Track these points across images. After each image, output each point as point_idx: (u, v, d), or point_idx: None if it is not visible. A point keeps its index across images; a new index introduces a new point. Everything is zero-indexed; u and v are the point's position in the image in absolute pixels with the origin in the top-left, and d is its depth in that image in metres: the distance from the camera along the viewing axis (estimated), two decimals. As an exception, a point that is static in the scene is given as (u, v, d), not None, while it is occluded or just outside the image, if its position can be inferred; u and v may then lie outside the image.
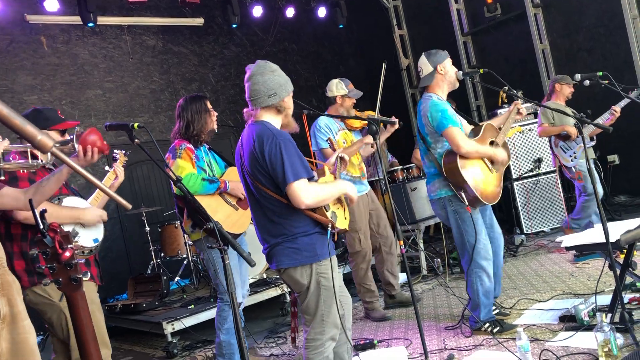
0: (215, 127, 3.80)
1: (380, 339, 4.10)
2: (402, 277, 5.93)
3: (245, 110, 2.84)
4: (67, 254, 1.43)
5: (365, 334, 4.37)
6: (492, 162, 3.82)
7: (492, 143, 3.87)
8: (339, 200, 2.86)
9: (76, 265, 1.45)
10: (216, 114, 3.82)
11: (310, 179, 2.67)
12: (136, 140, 2.27)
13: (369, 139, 4.53)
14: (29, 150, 2.15)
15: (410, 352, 3.74)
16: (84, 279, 1.45)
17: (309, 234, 2.67)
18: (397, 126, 4.79)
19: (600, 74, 4.04)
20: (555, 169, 6.14)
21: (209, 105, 3.77)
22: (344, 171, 4.54)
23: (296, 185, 2.56)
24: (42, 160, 2.18)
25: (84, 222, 2.84)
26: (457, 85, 3.89)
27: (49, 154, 1.19)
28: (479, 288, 3.73)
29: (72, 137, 2.36)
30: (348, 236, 4.70)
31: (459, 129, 3.66)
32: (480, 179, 3.69)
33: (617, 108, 5.36)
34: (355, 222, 4.64)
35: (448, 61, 3.83)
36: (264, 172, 2.63)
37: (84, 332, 1.44)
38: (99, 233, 2.99)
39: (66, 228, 2.70)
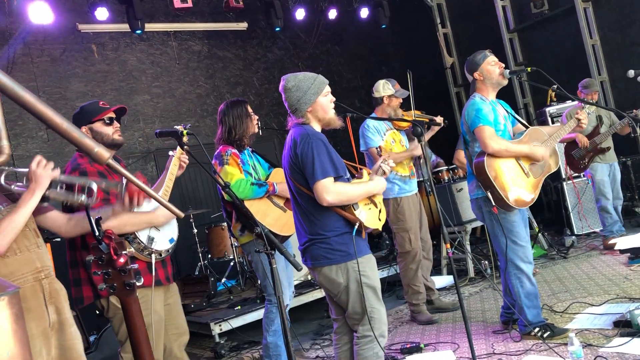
0: (257, 130, 3.84)
1: (427, 343, 4.06)
2: (448, 279, 5.87)
3: (288, 118, 2.96)
4: (122, 260, 1.47)
5: (411, 337, 4.33)
6: (531, 165, 3.72)
7: None
8: (372, 200, 2.90)
9: (130, 271, 1.49)
10: (257, 117, 3.87)
11: (339, 178, 2.73)
12: (186, 147, 2.32)
13: (418, 150, 4.52)
14: (76, 184, 2.21)
15: (457, 356, 3.69)
16: (137, 284, 1.50)
17: (340, 234, 2.74)
18: (442, 125, 4.76)
19: (655, 69, 3.90)
20: None
21: (250, 109, 3.82)
22: (394, 171, 4.54)
23: (321, 182, 2.66)
24: (84, 198, 2.21)
25: (158, 224, 2.88)
26: (505, 82, 3.81)
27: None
28: (520, 290, 3.66)
29: (122, 184, 2.40)
30: (398, 236, 4.69)
31: (489, 128, 3.60)
32: (511, 181, 3.60)
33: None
34: (406, 221, 4.62)
35: (487, 62, 3.76)
36: (299, 171, 2.76)
37: (137, 335, 1.48)
38: (173, 232, 3.03)
39: (143, 233, 2.74)
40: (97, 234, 1.50)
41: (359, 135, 4.71)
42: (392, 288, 6.06)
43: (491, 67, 3.76)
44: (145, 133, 7.79)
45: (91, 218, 1.55)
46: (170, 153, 3.24)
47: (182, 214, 1.55)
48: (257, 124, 3.85)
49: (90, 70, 7.57)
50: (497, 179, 3.57)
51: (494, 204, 3.59)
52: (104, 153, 1.12)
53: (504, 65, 3.82)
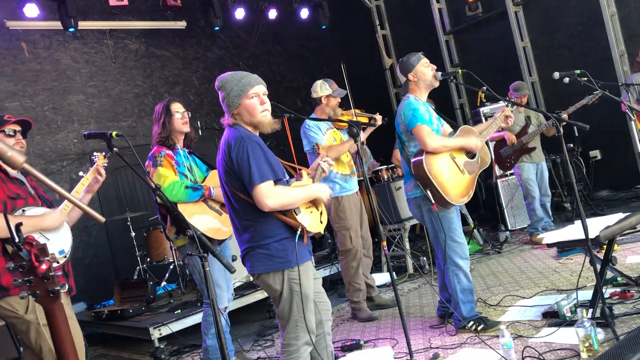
0: (185, 129, 3.78)
1: (367, 339, 4.12)
2: (388, 277, 5.97)
3: (222, 119, 2.89)
4: (44, 266, 1.42)
5: (352, 334, 4.38)
6: (466, 162, 3.85)
7: None
8: (314, 204, 2.85)
9: (53, 278, 1.45)
10: (186, 115, 3.81)
11: (278, 181, 2.68)
12: (115, 149, 2.27)
13: (352, 145, 4.58)
14: None
15: (396, 351, 3.76)
16: (62, 291, 1.45)
17: (280, 240, 2.67)
18: (380, 122, 4.83)
19: (578, 72, 4.10)
20: None
21: (175, 108, 3.76)
22: (334, 170, 4.58)
23: (260, 187, 2.58)
24: None
25: (45, 228, 2.79)
26: (436, 84, 3.91)
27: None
28: (457, 286, 3.77)
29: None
30: (339, 234, 4.73)
31: (427, 127, 3.70)
32: (448, 178, 3.71)
33: (565, 115, 5.38)
34: (347, 219, 4.67)
35: (421, 64, 3.85)
36: (235, 176, 2.66)
37: (63, 344, 1.44)
38: (65, 243, 2.93)
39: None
40: (16, 240, 1.44)
41: (301, 135, 4.72)
42: (334, 286, 6.11)
43: (425, 68, 3.85)
44: (79, 134, 7.54)
45: (10, 224, 1.49)
46: (94, 154, 3.18)
47: (102, 219, 1.51)
48: (186, 122, 3.79)
49: (20, 69, 7.26)
50: (436, 177, 3.66)
51: (433, 202, 3.68)
52: (18, 157, 1.08)
53: (435, 67, 3.93)
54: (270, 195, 2.59)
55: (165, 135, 3.72)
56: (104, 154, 3.34)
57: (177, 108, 3.78)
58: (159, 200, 3.54)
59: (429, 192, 3.67)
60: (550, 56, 8.21)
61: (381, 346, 3.94)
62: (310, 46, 10.29)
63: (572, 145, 7.30)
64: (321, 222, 2.85)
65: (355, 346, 3.97)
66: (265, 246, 2.66)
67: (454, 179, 3.74)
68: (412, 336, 3.83)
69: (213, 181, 3.79)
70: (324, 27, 9.59)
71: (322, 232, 2.87)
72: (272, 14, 9.00)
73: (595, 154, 7.87)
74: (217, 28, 8.44)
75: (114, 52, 8.06)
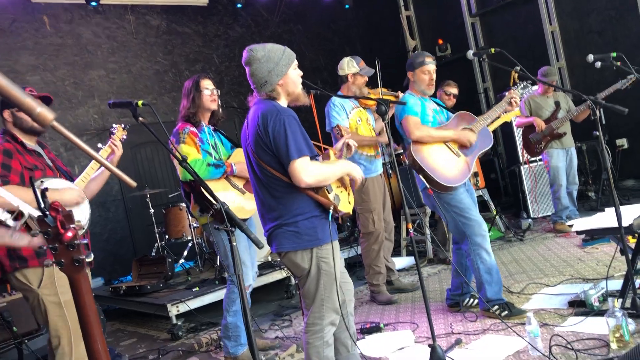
0: (213, 106, 3.72)
1: (387, 323, 4.06)
2: (407, 260, 5.90)
3: (250, 97, 2.80)
4: (70, 234, 1.37)
5: (371, 317, 4.33)
6: (460, 146, 3.85)
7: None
8: (342, 184, 2.80)
9: (79, 247, 1.39)
10: (216, 92, 3.74)
11: (313, 158, 2.61)
12: (140, 119, 2.21)
13: (383, 137, 4.53)
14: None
15: (417, 335, 3.70)
16: (87, 260, 1.40)
17: (310, 217, 2.61)
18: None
19: (614, 54, 3.95)
20: None
21: (204, 84, 3.69)
22: (359, 150, 4.51)
23: (298, 162, 2.50)
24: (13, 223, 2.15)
25: (64, 203, 2.76)
26: (430, 92, 3.98)
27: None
28: (480, 265, 3.71)
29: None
30: (362, 217, 4.67)
31: (413, 117, 3.77)
32: (439, 162, 3.73)
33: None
34: (370, 202, 4.60)
35: (422, 69, 3.91)
36: (268, 150, 2.58)
37: (87, 314, 1.39)
38: (82, 216, 2.89)
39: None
40: (42, 205, 1.39)
41: (325, 114, 4.64)
42: (352, 269, 6.06)
43: (423, 75, 3.92)
44: (100, 110, 7.53)
45: (36, 189, 1.44)
46: (114, 126, 3.13)
47: (134, 183, 1.46)
48: (215, 99, 3.72)
49: (42, 42, 7.24)
50: (425, 162, 3.70)
51: (428, 186, 3.71)
52: (48, 114, 1.02)
53: (434, 78, 3.96)
54: (308, 170, 2.52)
55: (194, 111, 3.66)
56: (123, 126, 3.29)
57: (207, 85, 3.72)
58: (181, 175, 3.50)
59: (422, 177, 3.71)
60: (579, 41, 8.00)
61: (401, 330, 3.89)
62: (332, 26, 10.15)
63: (597, 133, 7.13)
64: (349, 203, 2.80)
65: (375, 329, 3.92)
66: (294, 224, 2.60)
67: (446, 162, 3.76)
68: (433, 321, 3.75)
69: (238, 159, 3.73)
70: (347, 6, 9.44)
71: (351, 213, 2.81)
72: (295, -8, 8.87)
73: (622, 142, 7.69)
74: (239, 5, 8.34)
75: (135, 27, 8.01)
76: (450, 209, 3.76)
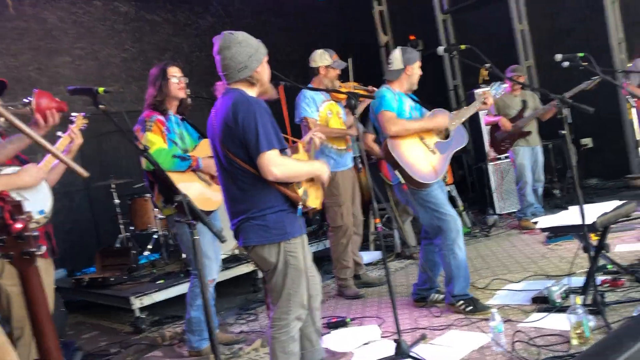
0: (181, 95, 3.64)
1: (353, 317, 4.06)
2: (376, 255, 5.91)
3: (218, 83, 2.74)
4: (19, 225, 1.30)
5: (338, 311, 4.32)
6: (436, 143, 3.86)
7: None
8: (312, 179, 2.75)
9: (29, 238, 1.33)
10: (184, 80, 3.66)
11: (282, 151, 2.57)
12: (101, 106, 2.13)
13: (353, 130, 4.49)
14: None
15: (383, 330, 3.70)
16: (38, 253, 1.34)
17: (278, 211, 2.56)
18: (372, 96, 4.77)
19: (582, 55, 4.00)
20: None
21: (172, 72, 3.61)
22: (330, 143, 4.48)
23: (268, 155, 2.46)
24: None
25: (22, 186, 2.62)
26: (416, 87, 3.97)
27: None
28: (452, 261, 3.73)
29: (29, 99, 2.19)
30: (331, 210, 4.64)
31: (389, 112, 3.74)
32: (415, 158, 3.73)
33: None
34: (339, 196, 4.58)
35: (418, 63, 3.92)
36: (237, 141, 2.52)
37: (37, 310, 1.33)
38: (44, 203, 2.79)
39: None
40: (-12, 195, 1.32)
41: (295, 106, 4.60)
42: (320, 263, 6.03)
43: (417, 70, 3.92)
44: (65, 97, 7.21)
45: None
46: (73, 114, 3.02)
47: (85, 173, 1.39)
48: (183, 88, 3.64)
49: (6, 26, 6.99)
50: (401, 157, 3.69)
51: (403, 182, 3.70)
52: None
53: (421, 73, 3.97)
54: (278, 163, 2.48)
55: (160, 99, 3.58)
56: (83, 114, 3.18)
57: (175, 72, 3.64)
58: (144, 165, 3.42)
59: (397, 173, 3.70)
60: (548, 41, 8.11)
61: (367, 324, 3.89)
62: (306, 19, 10.06)
63: (563, 131, 7.25)
64: (317, 198, 2.76)
65: (341, 323, 3.92)
66: (262, 217, 2.55)
67: (422, 159, 3.76)
68: (398, 316, 3.75)
69: (203, 150, 3.65)
70: (320, 0, 9.38)
71: (319, 208, 2.78)
72: (268, -17, 8.77)
73: (587, 141, 7.84)
74: (211, -6, 8.21)
75: (103, 13, 7.81)
76: (426, 205, 3.77)
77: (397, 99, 3.85)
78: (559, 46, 7.70)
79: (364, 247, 6.11)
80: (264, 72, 2.70)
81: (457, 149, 3.99)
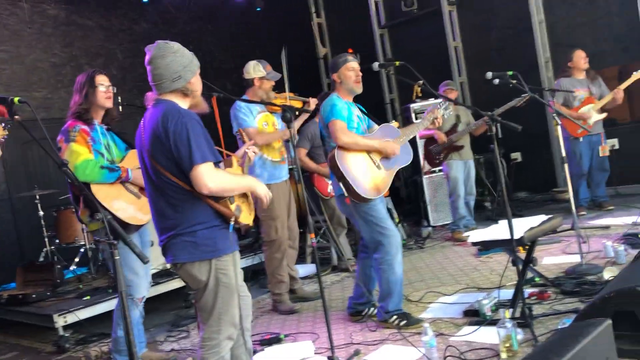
0: (107, 104, 3.51)
1: (287, 333, 3.99)
2: (312, 268, 5.87)
3: (148, 94, 2.64)
4: None
5: (272, 327, 4.25)
6: (382, 158, 3.84)
7: None
8: (244, 195, 2.70)
9: None
10: (112, 88, 3.53)
11: (216, 164, 2.50)
12: (16, 117, 2.00)
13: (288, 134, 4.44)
14: None
15: (317, 346, 3.66)
16: None
17: (209, 227, 2.48)
18: (313, 107, 4.74)
19: (511, 73, 4.14)
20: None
21: (100, 80, 3.47)
22: (265, 154, 4.42)
23: (202, 167, 2.37)
24: None
25: None
26: (359, 90, 3.94)
27: None
28: (390, 277, 3.73)
29: None
30: (265, 224, 4.57)
31: (341, 122, 3.72)
32: (361, 172, 3.70)
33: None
34: (274, 209, 4.50)
35: (346, 67, 3.88)
36: (167, 154, 2.42)
37: None
38: None
39: None
40: None
41: (231, 117, 4.51)
42: (256, 277, 5.95)
43: (348, 72, 3.87)
44: None
45: None
46: None
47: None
48: (110, 97, 3.51)
49: None
50: (348, 170, 3.65)
51: (346, 195, 3.66)
52: None
53: (361, 74, 3.92)
54: (212, 177, 2.39)
55: (86, 107, 3.42)
56: (2, 125, 2.99)
57: (102, 80, 3.50)
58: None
59: (342, 185, 3.66)
60: (479, 58, 8.38)
61: (301, 340, 3.84)
62: (243, 28, 9.98)
63: (492, 146, 7.50)
64: (250, 214, 2.70)
65: (275, 340, 3.85)
66: (192, 234, 2.46)
67: (368, 173, 3.74)
68: (333, 331, 3.70)
69: (132, 161, 3.51)
70: (258, 9, 9.34)
71: (251, 225, 2.71)
72: (206, -9, 8.65)
73: (516, 156, 8.13)
74: (145, 0, 8.01)
75: (29, 16, 7.45)
76: (368, 219, 3.74)
77: (346, 107, 3.82)
78: (490, 63, 7.98)
79: (301, 260, 6.08)
80: (197, 83, 2.64)
81: (402, 166, 4.00)
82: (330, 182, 5.58)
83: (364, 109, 4.07)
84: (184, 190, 2.45)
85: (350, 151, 3.72)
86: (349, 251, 5.87)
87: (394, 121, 5.65)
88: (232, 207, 2.52)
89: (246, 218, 2.64)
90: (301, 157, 5.59)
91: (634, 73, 5.97)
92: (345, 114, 3.78)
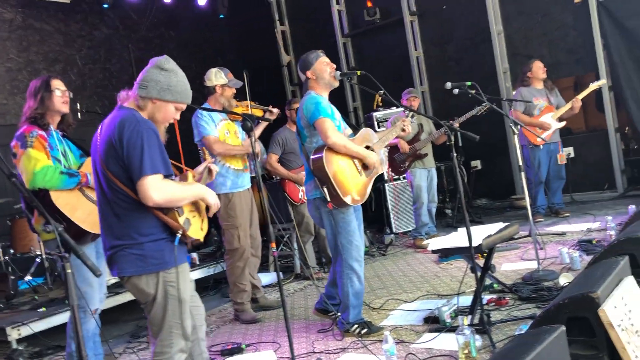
0: (65, 109, 3.43)
1: (249, 343, 3.97)
2: (273, 277, 5.85)
3: (122, 92, 2.60)
4: None
5: (233, 337, 4.21)
6: (363, 165, 3.81)
7: (367, 148, 3.87)
8: (197, 208, 2.65)
9: None
10: (68, 93, 3.45)
11: (168, 177, 2.45)
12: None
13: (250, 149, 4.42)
14: None
15: (279, 356, 3.65)
16: None
17: (156, 240, 2.44)
18: (275, 116, 4.73)
19: (469, 83, 4.21)
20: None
21: (55, 84, 3.40)
22: (227, 163, 4.39)
23: (150, 179, 2.34)
24: None
25: None
26: (336, 84, 3.87)
27: None
28: (349, 289, 3.72)
29: None
30: (227, 233, 4.53)
31: (329, 120, 3.65)
32: (346, 178, 3.65)
33: (457, 124, 5.54)
34: (236, 218, 4.47)
35: (319, 62, 3.79)
36: (119, 161, 2.39)
37: None
38: None
39: None
40: None
41: (192, 125, 4.48)
42: (218, 285, 5.89)
43: (323, 66, 3.79)
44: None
45: None
46: None
47: None
48: (67, 102, 3.43)
49: None
50: (336, 175, 3.58)
51: (329, 200, 3.60)
52: None
53: (335, 66, 3.87)
54: (159, 188, 2.35)
55: (42, 112, 3.33)
56: None
57: (58, 85, 3.42)
58: (27, 185, 3.16)
59: (325, 190, 3.59)
60: (440, 67, 8.52)
61: (263, 350, 3.81)
62: (206, 35, 9.91)
63: (455, 154, 7.64)
64: (202, 230, 2.65)
65: (236, 350, 3.81)
66: (139, 246, 2.41)
67: (351, 179, 3.70)
68: (295, 340, 3.73)
69: (89, 169, 3.44)
70: (221, 16, 9.30)
71: (202, 240, 2.65)
72: (168, -4, 8.57)
73: (476, 164, 8.28)
74: (106, 5, 7.88)
75: (-17, 19, 7.25)
76: (339, 227, 3.70)
77: (329, 107, 3.75)
78: (451, 73, 8.15)
79: (264, 268, 6.05)
80: (165, 112, 2.58)
81: (378, 174, 3.96)
82: (301, 188, 5.58)
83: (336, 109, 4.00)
84: (132, 200, 2.41)
85: (337, 154, 3.63)
86: (313, 259, 5.86)
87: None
88: (181, 219, 2.47)
89: (196, 233, 2.58)
90: (272, 163, 5.59)
91: (591, 84, 6.19)
92: (330, 112, 3.71)
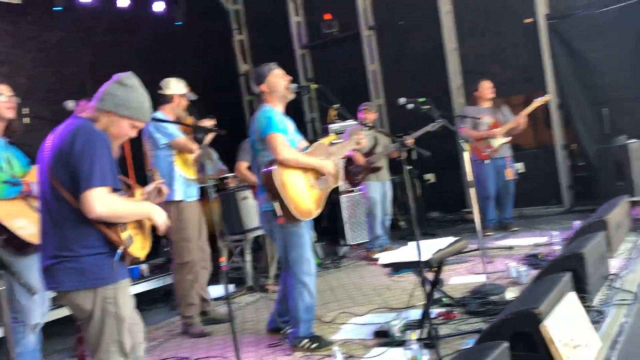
0: (10, 115, 3.32)
1: (197, 357, 3.90)
2: (223, 290, 5.76)
3: (82, 102, 2.55)
4: None
5: (181, 351, 4.13)
6: (317, 178, 3.80)
7: None
8: (141, 226, 2.59)
9: None
10: (14, 99, 3.35)
11: (116, 192, 2.41)
12: None
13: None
14: None
15: (226, 370, 3.59)
16: None
17: (96, 254, 2.37)
18: (220, 132, 4.70)
19: (422, 99, 4.29)
20: None
21: (0, 90, 3.29)
22: (179, 172, 4.32)
23: (96, 190, 2.29)
24: None
25: None
26: (291, 96, 3.85)
27: None
28: (300, 304, 3.70)
29: None
30: (177, 246, 4.44)
31: (281, 136, 3.63)
32: (298, 192, 3.63)
33: (410, 141, 5.58)
34: (187, 229, 4.39)
35: (272, 75, 3.77)
36: (67, 170, 2.33)
37: None
38: None
39: None
40: None
41: (149, 133, 4.34)
42: (168, 298, 5.77)
43: (276, 79, 3.77)
44: None
45: None
46: None
47: None
48: (12, 107, 3.32)
49: None
50: (285, 190, 3.55)
51: (280, 214, 3.57)
52: None
53: (291, 78, 3.86)
54: (103, 200, 2.30)
55: None
56: None
57: (3, 90, 3.31)
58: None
59: (276, 205, 3.56)
60: (396, 82, 8.64)
61: (211, 364, 3.75)
62: (162, 41, 9.75)
63: (410, 167, 7.76)
64: (143, 249, 2.59)
65: (184, 365, 3.74)
66: (77, 259, 2.34)
67: (303, 194, 3.68)
68: (244, 354, 3.69)
69: (35, 177, 3.33)
70: (178, 23, 9.20)
71: (142, 259, 2.59)
72: (124, 1, 8.42)
73: (430, 177, 8.41)
74: (59, 8, 7.67)
75: None
76: (290, 241, 3.67)
77: (282, 121, 3.73)
78: (406, 88, 8.25)
79: (215, 279, 5.96)
80: (119, 128, 2.52)
81: (333, 187, 3.95)
82: None
83: (292, 122, 3.99)
84: (75, 212, 2.34)
85: (287, 168, 3.59)
86: (274, 270, 5.80)
87: (333, 134, 5.71)
88: (124, 235, 2.42)
89: (138, 251, 2.53)
90: (242, 171, 5.57)
91: (535, 100, 6.41)
92: (282, 127, 3.69)
